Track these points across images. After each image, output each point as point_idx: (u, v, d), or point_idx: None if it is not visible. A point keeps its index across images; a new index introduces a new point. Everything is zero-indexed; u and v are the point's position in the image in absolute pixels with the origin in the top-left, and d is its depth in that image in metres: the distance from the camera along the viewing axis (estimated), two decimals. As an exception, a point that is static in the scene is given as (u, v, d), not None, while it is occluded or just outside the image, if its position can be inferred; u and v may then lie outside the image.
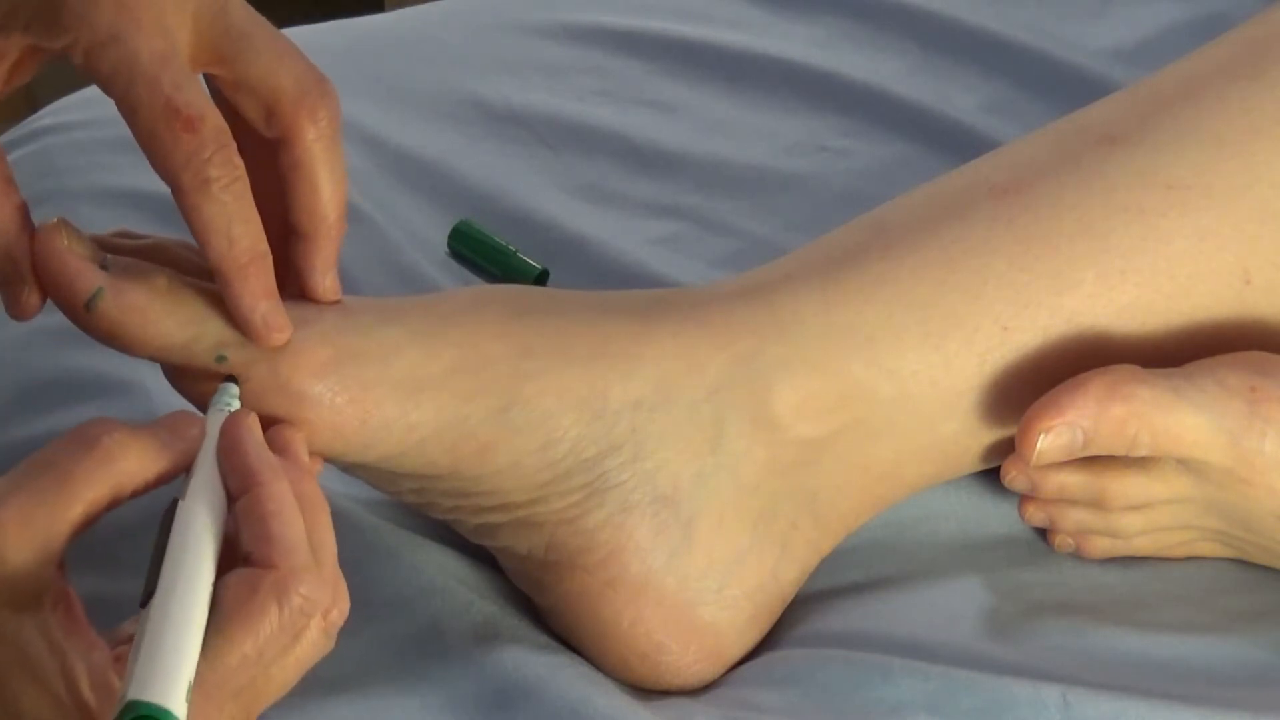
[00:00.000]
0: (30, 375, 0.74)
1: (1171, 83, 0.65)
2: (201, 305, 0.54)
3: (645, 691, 0.61)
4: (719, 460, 0.60)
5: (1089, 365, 0.61)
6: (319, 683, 0.58)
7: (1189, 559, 0.65)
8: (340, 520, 0.63)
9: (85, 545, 0.65)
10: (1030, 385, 0.61)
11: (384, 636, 0.60)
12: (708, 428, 0.60)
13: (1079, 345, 0.62)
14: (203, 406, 0.55)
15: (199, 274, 0.56)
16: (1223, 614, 0.63)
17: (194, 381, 0.55)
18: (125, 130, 0.89)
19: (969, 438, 0.63)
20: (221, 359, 0.55)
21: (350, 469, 0.59)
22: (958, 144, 0.82)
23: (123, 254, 0.55)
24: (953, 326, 0.61)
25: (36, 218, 0.56)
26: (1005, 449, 0.62)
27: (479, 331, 0.58)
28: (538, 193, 0.82)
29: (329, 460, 0.58)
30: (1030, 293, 0.62)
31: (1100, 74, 0.85)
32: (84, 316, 0.54)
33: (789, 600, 0.63)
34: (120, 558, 0.65)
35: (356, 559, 0.62)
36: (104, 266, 0.54)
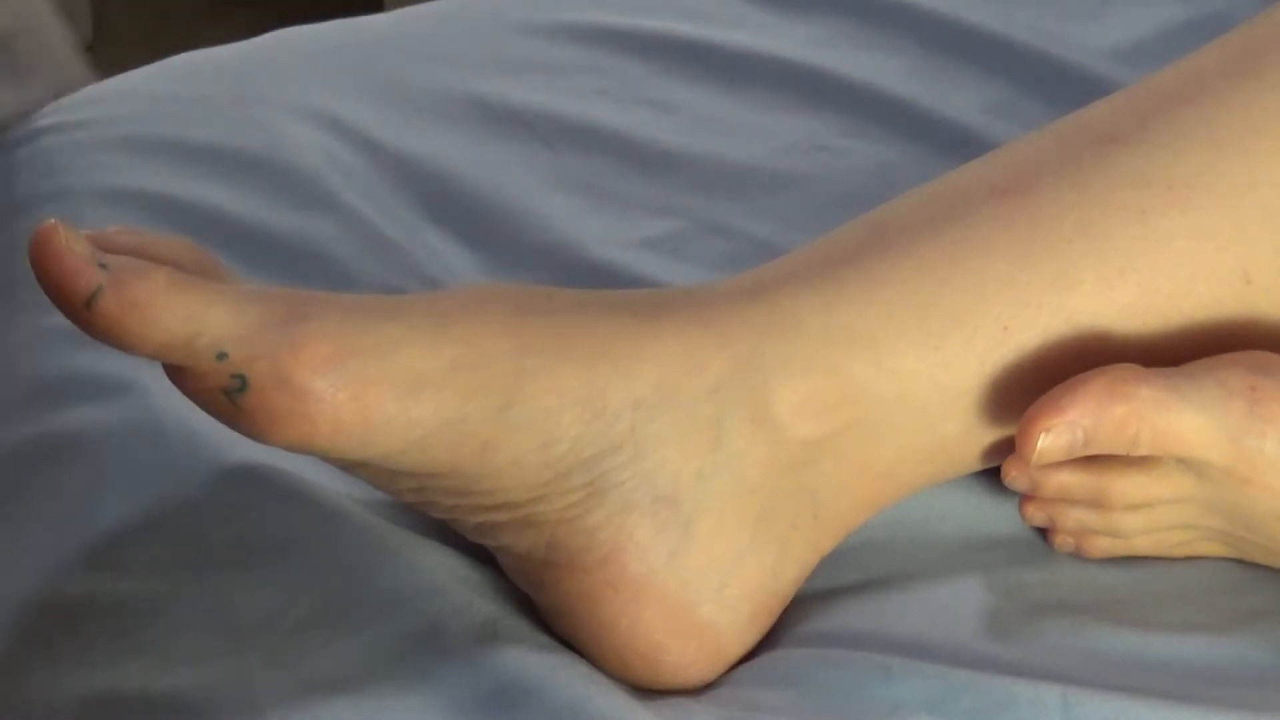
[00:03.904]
0: (30, 375, 0.74)
1: (1172, 83, 0.65)
2: (202, 302, 0.54)
3: (645, 691, 0.61)
4: (719, 460, 0.60)
5: (1089, 365, 0.61)
6: (319, 683, 0.58)
7: (1189, 559, 0.65)
8: (340, 520, 0.63)
9: (90, 546, 0.65)
10: (1030, 385, 0.61)
11: (384, 636, 0.60)
12: (708, 427, 0.60)
13: (1079, 345, 0.62)
14: (204, 405, 0.55)
15: (198, 271, 0.56)
16: (1223, 614, 0.63)
17: (195, 379, 0.55)
18: (125, 130, 0.90)
19: (969, 438, 0.63)
20: (223, 356, 0.54)
21: (349, 468, 0.59)
22: (958, 144, 0.82)
23: (121, 252, 0.55)
24: (953, 327, 0.61)
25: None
26: (1006, 449, 0.62)
27: (480, 329, 0.58)
28: (536, 192, 0.83)
29: (330, 458, 0.58)
30: (1030, 293, 0.61)
31: (1100, 74, 0.85)
32: (84, 315, 0.53)
33: (789, 599, 0.63)
34: (124, 558, 0.65)
35: (357, 559, 0.62)
36: (102, 265, 0.54)
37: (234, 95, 0.89)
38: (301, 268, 0.78)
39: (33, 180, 0.84)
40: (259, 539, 0.64)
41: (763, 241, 0.80)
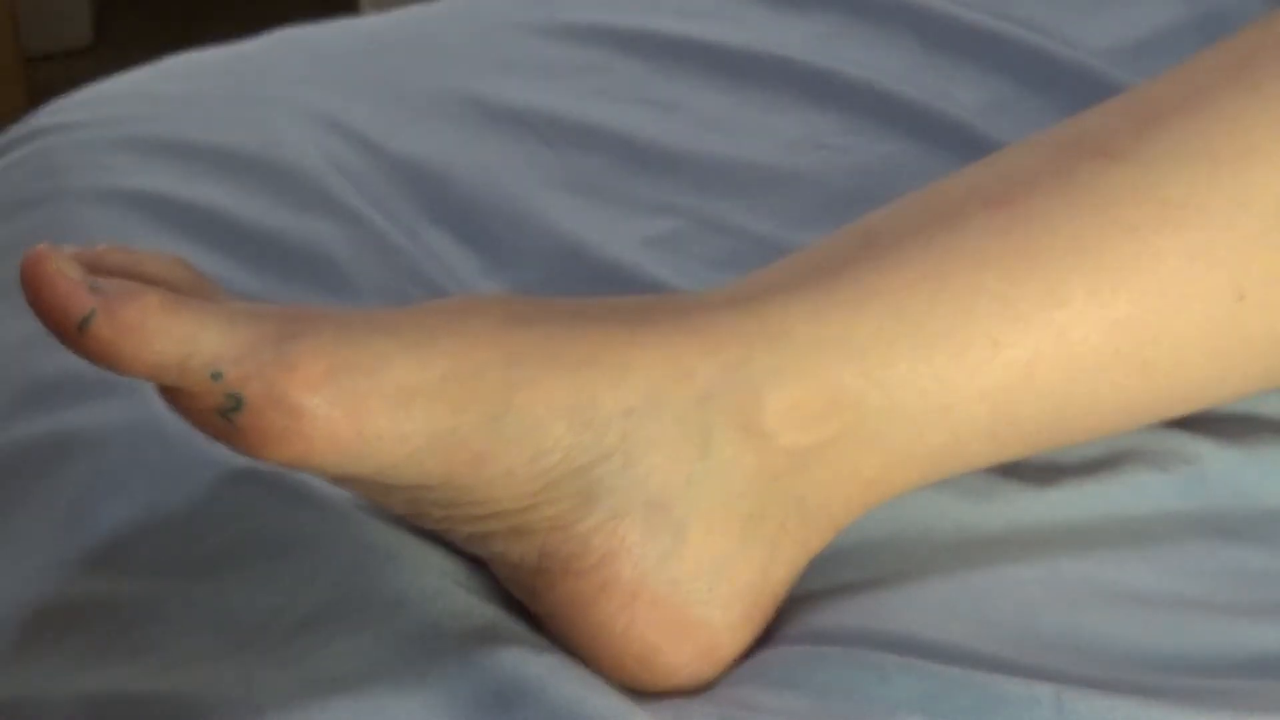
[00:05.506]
0: (30, 375, 0.74)
1: (1168, 93, 0.65)
2: (195, 322, 0.54)
3: (644, 695, 0.61)
4: (708, 466, 0.60)
5: (1080, 380, 0.61)
6: (319, 683, 0.59)
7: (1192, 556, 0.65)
8: (340, 521, 0.64)
9: (90, 546, 0.66)
10: (1020, 400, 0.61)
11: (384, 637, 0.60)
12: (696, 434, 0.60)
13: (1069, 360, 0.62)
14: (197, 425, 0.56)
15: (190, 290, 0.56)
16: (1222, 610, 0.63)
17: (190, 399, 0.55)
18: (125, 130, 0.90)
19: (959, 448, 0.63)
20: (217, 376, 0.54)
21: (341, 482, 0.59)
22: (957, 142, 0.82)
23: (112, 273, 0.55)
24: (943, 340, 0.61)
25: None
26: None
27: (471, 341, 0.58)
28: (536, 192, 0.83)
29: (324, 474, 0.58)
30: (1021, 307, 0.61)
31: (1100, 71, 0.85)
32: (77, 339, 0.54)
33: (781, 598, 0.63)
34: (124, 559, 0.65)
35: (356, 560, 0.62)
36: (94, 288, 0.54)
37: (234, 95, 0.89)
38: (300, 268, 0.78)
39: (33, 180, 0.84)
40: (259, 539, 0.64)
41: (764, 239, 0.80)
